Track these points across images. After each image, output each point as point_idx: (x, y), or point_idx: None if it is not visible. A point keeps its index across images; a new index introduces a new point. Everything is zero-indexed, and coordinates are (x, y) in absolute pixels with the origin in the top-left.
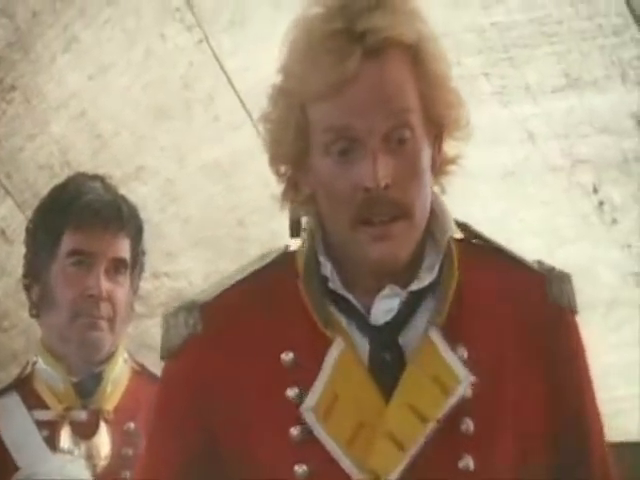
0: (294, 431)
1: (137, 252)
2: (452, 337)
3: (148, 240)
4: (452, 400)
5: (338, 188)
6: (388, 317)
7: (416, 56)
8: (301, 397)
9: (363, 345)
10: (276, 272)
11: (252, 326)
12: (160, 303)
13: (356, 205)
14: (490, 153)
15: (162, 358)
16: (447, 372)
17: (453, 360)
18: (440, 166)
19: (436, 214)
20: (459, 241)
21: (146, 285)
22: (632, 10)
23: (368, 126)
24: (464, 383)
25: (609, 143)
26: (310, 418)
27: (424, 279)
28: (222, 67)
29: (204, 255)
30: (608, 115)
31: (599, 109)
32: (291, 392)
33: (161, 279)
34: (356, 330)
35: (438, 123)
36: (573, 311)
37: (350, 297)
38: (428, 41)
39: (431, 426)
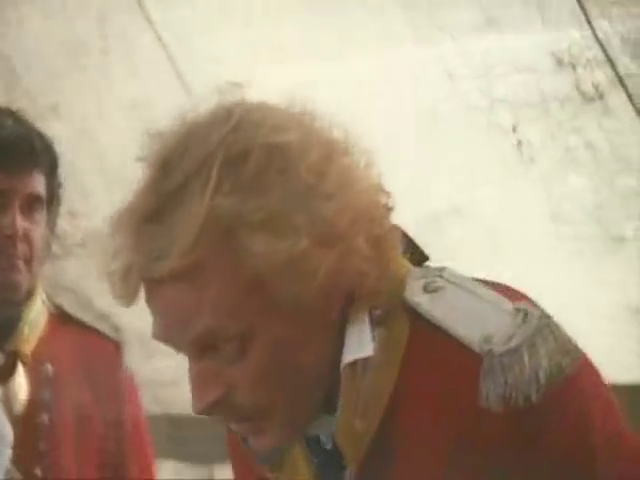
0: None
1: (53, 187)
2: (381, 477)
3: (63, 178)
4: None
5: None
6: (331, 442)
7: (226, 249)
8: None
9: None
10: None
11: None
12: (76, 243)
13: (208, 416)
14: (408, 93)
15: None
16: None
17: None
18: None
19: (345, 339)
20: (412, 326)
21: (62, 224)
22: None
23: (175, 345)
24: None
25: (528, 82)
26: None
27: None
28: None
29: (121, 195)
30: (527, 54)
31: (518, 48)
32: None
33: (78, 218)
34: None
35: (308, 298)
36: (520, 409)
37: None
38: (241, 219)
39: None
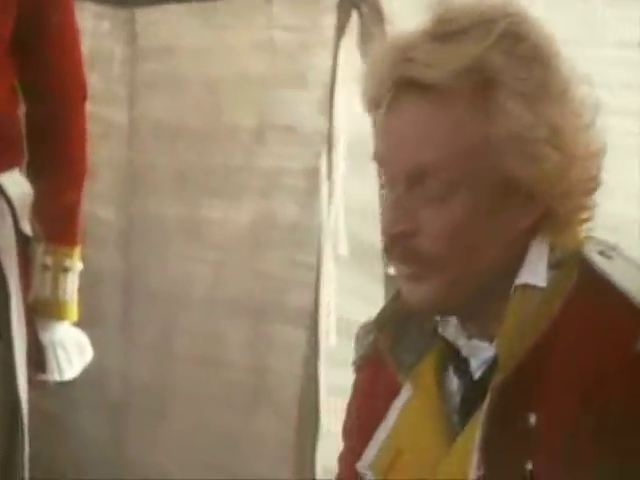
0: None
1: None
2: (521, 400)
3: None
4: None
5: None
6: (481, 371)
7: (484, 91)
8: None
9: (456, 394)
10: None
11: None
12: None
13: (385, 245)
14: None
15: None
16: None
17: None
18: (552, 225)
19: (522, 265)
20: (581, 270)
21: None
22: None
23: (390, 171)
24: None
25: None
26: (367, 477)
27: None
28: None
29: None
30: None
31: None
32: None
33: None
34: (454, 376)
35: (517, 182)
36: None
37: (454, 340)
38: (499, 72)
39: None
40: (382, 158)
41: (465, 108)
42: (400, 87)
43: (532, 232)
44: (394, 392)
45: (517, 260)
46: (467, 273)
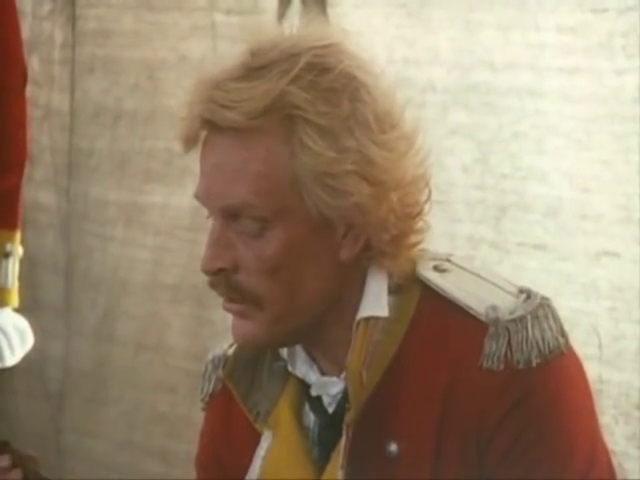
0: None
1: None
2: (379, 431)
3: None
4: None
5: None
6: (334, 405)
7: (290, 131)
8: None
9: (314, 427)
10: None
11: None
12: None
13: (209, 282)
14: None
15: None
16: None
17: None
18: (377, 254)
19: (362, 297)
20: (424, 292)
21: None
22: None
23: (209, 205)
24: None
25: None
26: None
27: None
28: None
29: None
30: None
31: None
32: None
33: None
34: (310, 412)
35: (329, 215)
36: (520, 370)
37: (305, 377)
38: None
39: None
40: (199, 196)
41: (270, 146)
42: (208, 127)
43: (360, 262)
44: (252, 426)
45: (357, 290)
46: (291, 309)
